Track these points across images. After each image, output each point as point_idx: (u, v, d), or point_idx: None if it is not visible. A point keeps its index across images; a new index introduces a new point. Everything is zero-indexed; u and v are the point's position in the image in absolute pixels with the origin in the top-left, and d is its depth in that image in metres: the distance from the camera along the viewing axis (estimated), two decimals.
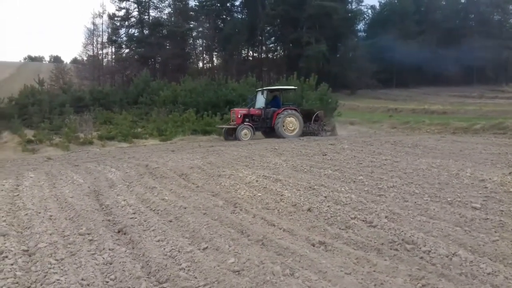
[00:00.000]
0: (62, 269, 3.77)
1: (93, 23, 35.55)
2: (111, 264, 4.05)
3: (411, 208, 5.50)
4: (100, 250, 4.39)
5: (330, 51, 47.00)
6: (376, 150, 11.11)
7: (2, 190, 7.59)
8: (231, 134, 18.21)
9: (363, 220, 5.12)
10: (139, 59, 36.43)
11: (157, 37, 36.48)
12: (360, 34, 61.64)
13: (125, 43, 35.88)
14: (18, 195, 7.26)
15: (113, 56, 36.92)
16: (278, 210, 5.84)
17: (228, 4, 48.88)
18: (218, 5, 47.03)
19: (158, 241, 4.66)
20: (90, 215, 5.71)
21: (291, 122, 18.27)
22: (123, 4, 35.62)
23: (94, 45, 36.19)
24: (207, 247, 4.44)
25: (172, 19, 39.74)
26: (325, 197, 6.16)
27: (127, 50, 36.72)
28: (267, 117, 18.57)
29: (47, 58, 78.44)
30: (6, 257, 4.07)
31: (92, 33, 35.84)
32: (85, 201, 6.64)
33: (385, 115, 28.74)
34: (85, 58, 37.61)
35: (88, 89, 28.04)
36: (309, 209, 5.67)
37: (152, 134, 20.21)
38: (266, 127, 18.68)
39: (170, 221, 5.46)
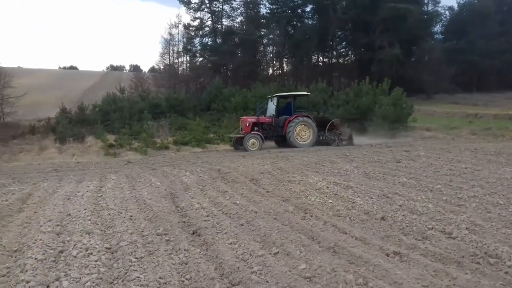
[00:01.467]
0: (141, 267, 3.98)
1: (170, 33, 37.26)
2: (186, 264, 4.20)
3: (494, 219, 5.15)
4: (176, 250, 4.58)
5: (404, 55, 45.26)
6: (455, 157, 10.53)
7: (87, 191, 8.18)
8: (240, 144, 17.47)
9: (442, 231, 4.88)
10: (212, 67, 37.58)
11: (229, 45, 37.41)
12: (436, 36, 58.76)
13: (199, 52, 37.23)
14: (101, 196, 7.79)
15: (188, 65, 38.43)
16: (349, 218, 5.73)
17: (299, 11, 48.97)
18: (289, 11, 47.26)
19: (230, 243, 4.76)
20: (166, 216, 5.97)
21: (303, 130, 17.46)
22: (198, 14, 36.99)
23: (170, 54, 37.91)
24: (278, 252, 4.46)
25: (244, 27, 40.56)
26: (400, 205, 5.95)
27: (200, 59, 38.06)
28: (278, 125, 17.79)
29: (127, 68, 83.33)
30: (91, 253, 4.37)
31: (168, 43, 37.57)
32: (162, 203, 6.96)
33: (464, 121, 27.08)
34: (161, 67, 39.50)
35: (165, 97, 29.37)
36: (382, 218, 5.51)
37: (223, 139, 20.72)
38: (278, 135, 17.94)
39: (242, 225, 5.56)
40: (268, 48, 48.25)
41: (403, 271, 3.83)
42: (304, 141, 17.33)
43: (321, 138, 18.12)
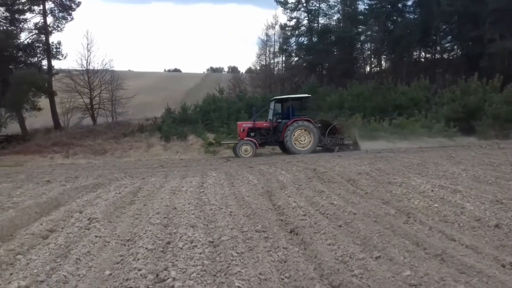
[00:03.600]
0: (242, 262, 4.08)
1: (266, 34, 37.89)
2: (285, 262, 4.22)
3: None
4: (275, 248, 4.62)
5: None
6: None
7: (190, 187, 8.62)
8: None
9: None
10: (307, 66, 37.49)
11: (325, 43, 37.01)
12: None
13: (294, 51, 37.33)
14: (203, 191, 8.15)
15: (283, 65, 38.74)
16: (458, 224, 5.32)
17: (399, 5, 46.73)
18: (389, 6, 45.33)
19: (329, 244, 4.68)
20: (264, 213, 6.06)
21: (302, 135, 16.39)
22: (294, 14, 37.14)
23: (267, 55, 38.54)
24: (380, 256, 4.29)
25: (341, 24, 39.81)
26: None
27: (296, 58, 38.12)
28: (278, 130, 16.87)
29: (226, 69, 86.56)
30: (196, 246, 4.58)
31: (265, 43, 38.24)
32: (259, 200, 7.09)
33: None
34: (258, 68, 40.33)
35: (261, 96, 29.96)
36: (496, 225, 5.03)
37: None
38: (277, 141, 17.05)
39: (340, 226, 5.45)
40: (366, 45, 46.72)
41: None
42: (303, 147, 16.37)
43: (320, 142, 16.84)
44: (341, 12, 42.40)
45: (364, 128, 20.58)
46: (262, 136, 17.14)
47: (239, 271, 3.83)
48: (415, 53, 49.50)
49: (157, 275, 3.83)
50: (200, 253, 4.32)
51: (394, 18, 45.76)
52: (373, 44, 45.97)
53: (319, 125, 17.20)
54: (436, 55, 49.61)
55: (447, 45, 50.12)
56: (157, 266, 4.04)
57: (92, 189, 8.87)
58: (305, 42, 39.08)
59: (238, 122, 18.16)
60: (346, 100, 25.69)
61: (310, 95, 19.38)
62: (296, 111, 17.46)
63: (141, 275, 3.78)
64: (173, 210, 6.47)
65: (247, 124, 17.37)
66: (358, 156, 13.31)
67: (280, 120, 17.19)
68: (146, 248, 4.51)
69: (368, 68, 47.74)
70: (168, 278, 3.73)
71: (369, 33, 44.03)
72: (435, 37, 47.49)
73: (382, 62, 48.84)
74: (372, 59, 49.04)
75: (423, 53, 50.72)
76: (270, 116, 17.47)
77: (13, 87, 24.80)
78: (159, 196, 7.76)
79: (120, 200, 7.44)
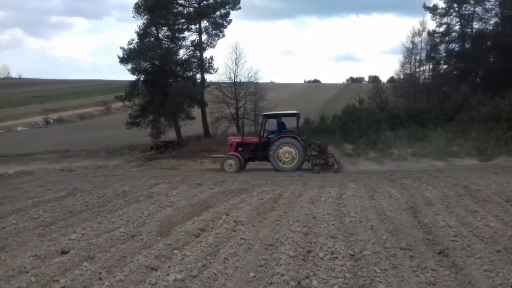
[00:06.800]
0: (386, 280, 3.91)
1: (412, 42, 36.00)
2: (434, 285, 3.93)
3: None
4: (422, 268, 4.33)
5: None
6: None
7: (329, 197, 8.59)
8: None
9: None
10: (457, 74, 34.50)
11: (480, 50, 33.61)
12: None
13: (443, 59, 34.66)
14: (342, 202, 8.06)
15: (430, 73, 36.28)
16: None
17: None
18: None
19: (485, 271, 4.21)
20: (409, 231, 5.73)
21: (287, 152, 15.75)
22: (444, 20, 34.60)
23: (412, 63, 36.53)
24: None
25: (499, 29, 35.84)
26: None
27: (445, 66, 35.34)
28: (267, 146, 16.37)
29: (366, 79, 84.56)
30: (336, 258, 4.53)
31: (410, 51, 36.32)
32: (403, 216, 6.73)
33: None
34: (401, 77, 38.47)
35: (404, 107, 28.53)
36: None
37: (470, 153, 18.74)
38: (265, 157, 16.32)
39: (498, 251, 4.87)
40: None
41: None
42: (286, 164, 15.76)
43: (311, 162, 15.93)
44: (499, 16, 38.15)
45: None
46: (251, 152, 16.96)
47: None
48: None
49: (299, 282, 3.89)
50: (341, 265, 4.27)
51: None
52: None
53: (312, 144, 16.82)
54: None
55: None
56: (299, 273, 4.11)
57: (237, 194, 9.45)
58: (456, 49, 36.06)
59: (228, 137, 18.55)
60: (504, 111, 22.91)
61: (299, 112, 18.28)
62: (285, 128, 17.17)
63: (283, 281, 3.88)
64: (312, 219, 6.52)
65: (236, 139, 17.38)
66: None
67: (270, 136, 16.91)
68: (287, 255, 4.63)
69: None
70: (309, 287, 3.76)
71: None
72: None
73: None
74: None
75: None
76: (261, 132, 17.31)
77: (171, 99, 27.81)
78: (299, 204, 7.90)
79: (262, 206, 7.77)
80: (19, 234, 6.02)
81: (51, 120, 51.17)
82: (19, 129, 47.35)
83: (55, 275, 4.25)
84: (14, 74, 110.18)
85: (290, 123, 18.05)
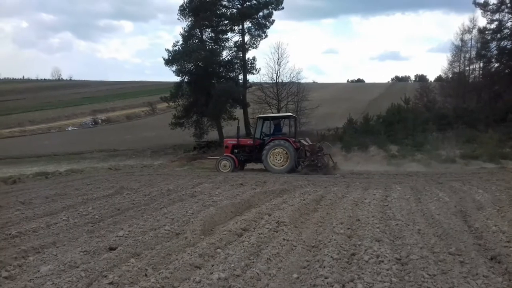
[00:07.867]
0: (435, 285, 3.76)
1: (461, 39, 34.65)
2: None
3: None
4: (473, 274, 4.13)
5: None
6: None
7: (373, 199, 8.41)
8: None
9: None
10: (510, 72, 32.85)
11: None
12: None
13: (495, 57, 33.09)
14: (387, 205, 7.86)
15: (480, 72, 34.75)
16: None
17: None
18: None
19: None
20: (459, 235, 5.50)
21: (278, 153, 15.85)
22: (496, 16, 33.03)
23: (461, 62, 35.16)
24: None
25: None
26: None
27: (497, 64, 33.74)
28: (261, 148, 16.38)
29: (412, 78, 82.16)
30: (382, 261, 4.41)
31: (459, 49, 34.99)
32: (452, 220, 6.46)
33: None
34: (450, 75, 37.11)
35: (452, 107, 27.52)
36: None
37: None
38: (259, 159, 16.34)
39: None
40: None
41: None
42: (277, 166, 15.82)
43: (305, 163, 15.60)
44: None
45: None
46: (246, 154, 17.13)
47: None
48: None
49: (343, 285, 3.81)
50: (387, 269, 4.15)
51: None
52: None
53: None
54: None
55: None
56: (343, 276, 4.03)
57: (279, 194, 9.43)
58: (508, 46, 34.35)
59: (224, 139, 18.74)
60: None
61: (295, 115, 18.61)
62: (281, 131, 17.26)
63: (327, 283, 3.82)
64: (356, 221, 6.39)
65: (232, 141, 17.59)
66: None
67: (265, 138, 16.91)
68: (331, 257, 4.55)
69: None
70: None
71: None
72: None
73: None
74: None
75: None
76: (256, 134, 17.32)
77: (214, 99, 28.20)
78: (342, 206, 7.77)
79: (305, 207, 7.70)
80: (69, 230, 6.29)
81: (100, 121, 53.24)
82: (70, 129, 49.57)
83: (103, 271, 4.39)
84: (65, 76, 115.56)
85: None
